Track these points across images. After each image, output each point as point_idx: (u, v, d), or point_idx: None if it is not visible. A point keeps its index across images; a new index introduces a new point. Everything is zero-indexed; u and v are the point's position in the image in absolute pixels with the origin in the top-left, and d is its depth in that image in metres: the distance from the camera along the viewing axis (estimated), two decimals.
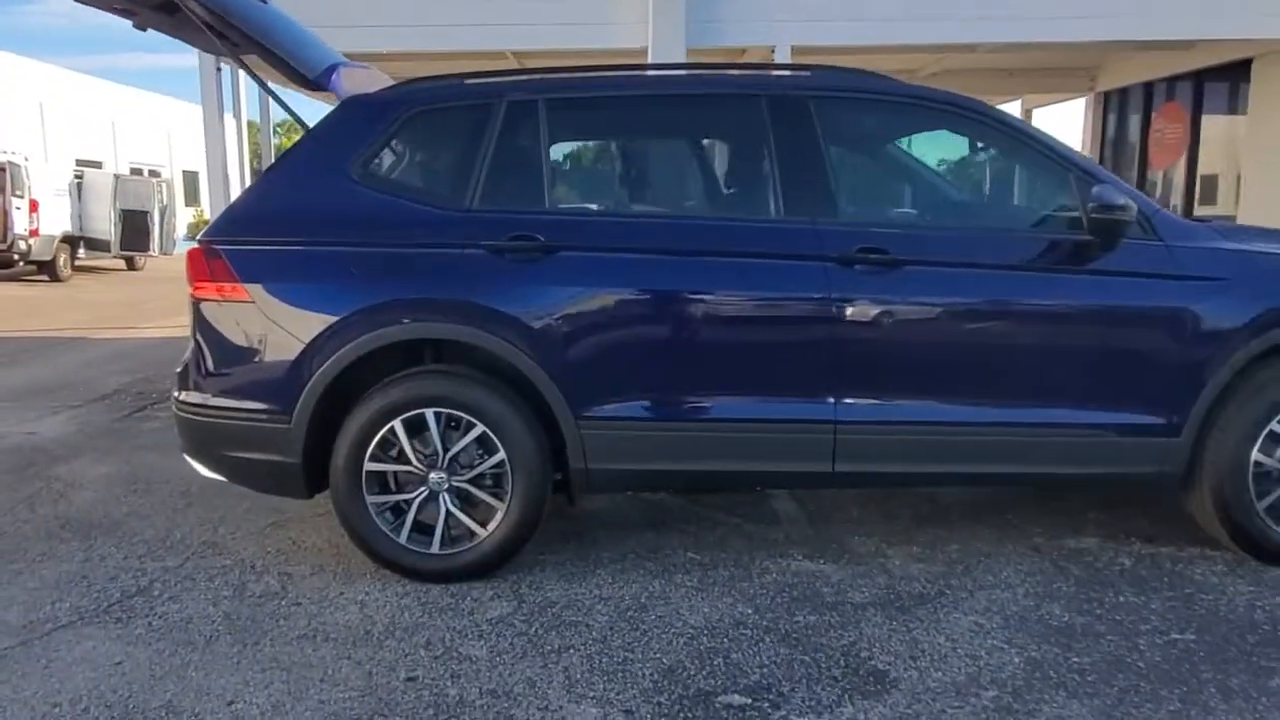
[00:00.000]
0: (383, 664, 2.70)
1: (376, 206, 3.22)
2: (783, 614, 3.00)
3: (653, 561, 3.44)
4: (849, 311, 3.09)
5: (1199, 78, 9.13)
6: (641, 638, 2.85)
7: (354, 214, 3.21)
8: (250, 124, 13.40)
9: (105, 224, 17.47)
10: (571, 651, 2.76)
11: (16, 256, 15.63)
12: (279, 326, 3.16)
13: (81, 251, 17.43)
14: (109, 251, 17.72)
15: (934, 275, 3.13)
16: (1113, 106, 10.87)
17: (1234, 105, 8.99)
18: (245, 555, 3.54)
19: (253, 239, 3.24)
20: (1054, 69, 10.54)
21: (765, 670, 2.64)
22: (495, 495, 3.20)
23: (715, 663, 2.69)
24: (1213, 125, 9.20)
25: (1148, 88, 10.01)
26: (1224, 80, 8.92)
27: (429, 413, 3.14)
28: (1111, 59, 10.09)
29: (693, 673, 2.63)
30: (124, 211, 17.73)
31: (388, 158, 3.38)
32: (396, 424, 3.14)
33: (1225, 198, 8.96)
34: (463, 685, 2.58)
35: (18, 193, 15.62)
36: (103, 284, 16.29)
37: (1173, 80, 9.57)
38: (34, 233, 15.84)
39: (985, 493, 4.13)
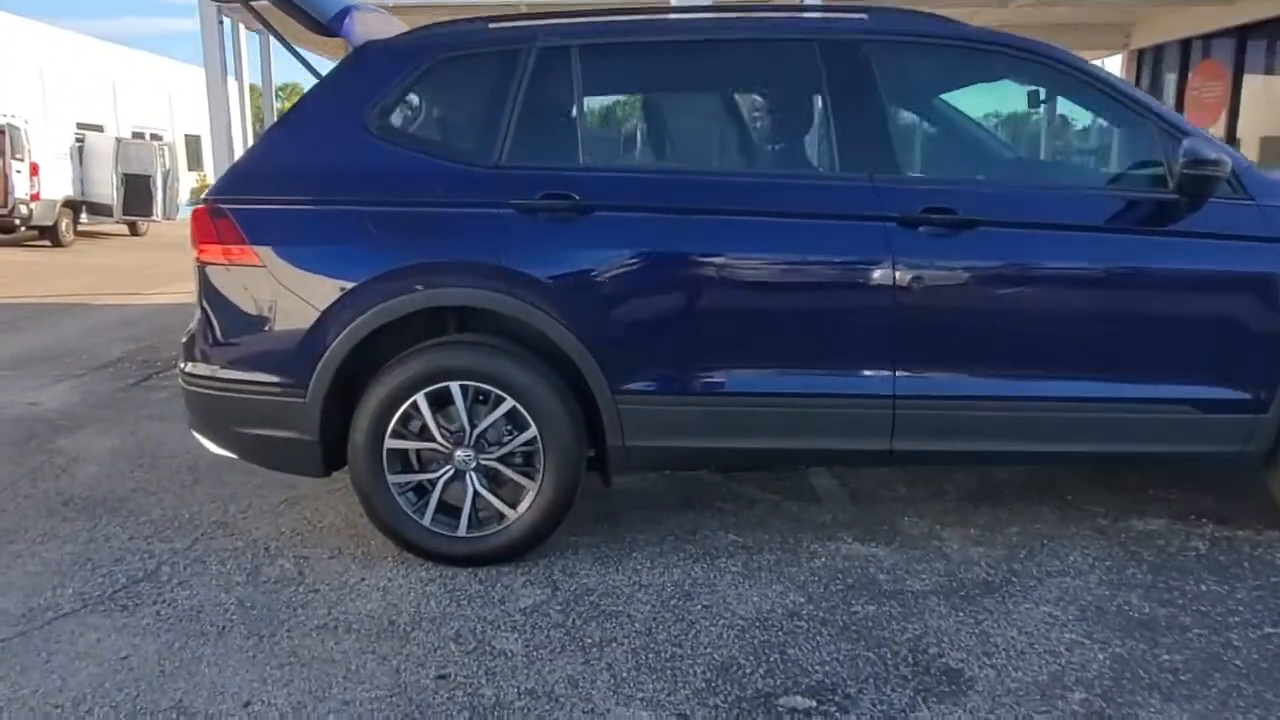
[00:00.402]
0: (411, 659, 2.49)
1: (395, 162, 2.96)
2: (838, 603, 2.78)
3: (692, 544, 3.23)
4: (912, 277, 2.84)
5: (1240, 34, 8.75)
6: (689, 630, 2.63)
7: (371, 170, 2.95)
8: (251, 87, 13.07)
9: (107, 188, 17.20)
10: (614, 645, 2.55)
11: (18, 221, 15.37)
12: (291, 292, 2.92)
13: (84, 216, 17.19)
14: (111, 216, 17.45)
15: (1005, 237, 2.86)
16: (1147, 64, 10.48)
17: (1275, 63, 8.62)
18: (258, 536, 3.33)
19: (262, 197, 2.99)
20: (1087, 25, 10.14)
21: (827, 668, 2.43)
22: (526, 474, 2.98)
23: (772, 659, 2.47)
24: (1254, 84, 8.84)
25: (1185, 45, 9.63)
26: (1266, 37, 8.55)
27: (454, 386, 2.91)
28: (1147, 15, 9.70)
29: (748, 671, 2.42)
30: (126, 176, 17.44)
31: (407, 109, 3.11)
32: (419, 398, 2.91)
33: (1267, 159, 8.63)
34: (499, 684, 2.37)
35: (18, 156, 15.32)
36: (105, 249, 16.05)
37: (1211, 37, 9.19)
38: (35, 197, 15.57)
39: (1037, 467, 3.90)
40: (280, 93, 24.97)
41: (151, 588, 2.93)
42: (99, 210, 17.31)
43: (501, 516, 2.99)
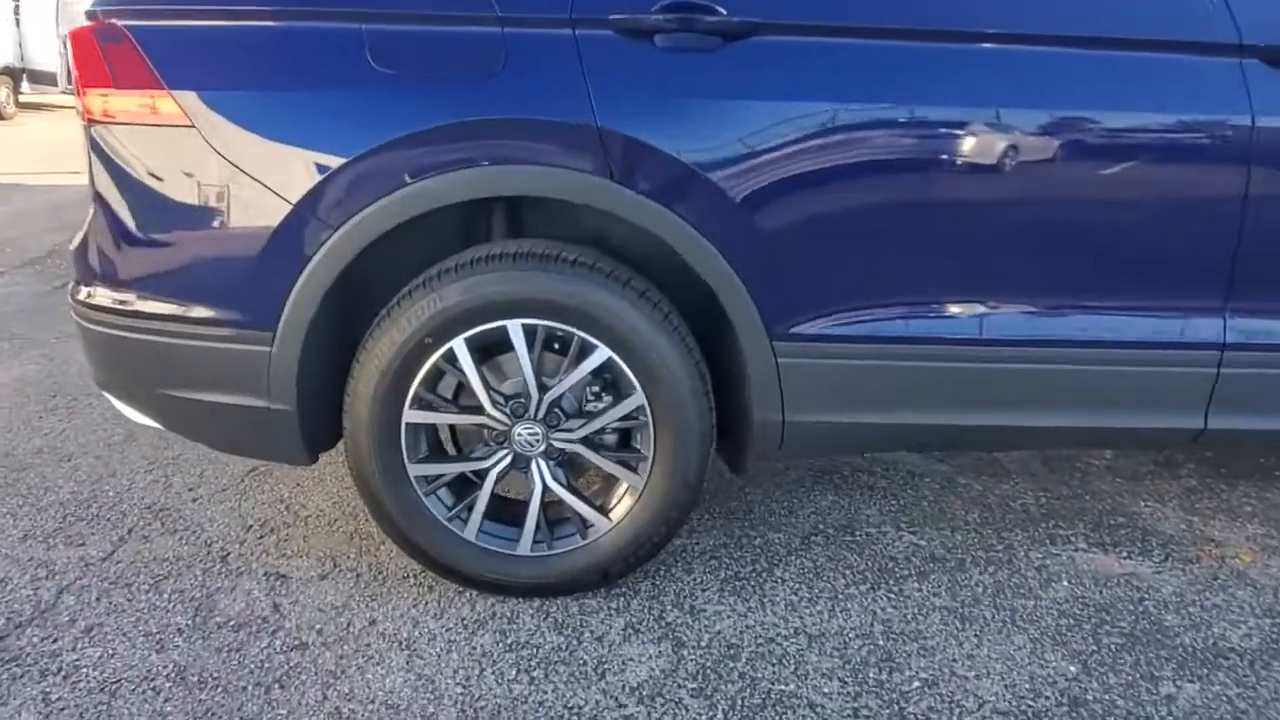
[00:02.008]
0: None
1: None
2: (1134, 678, 1.76)
3: (855, 551, 2.19)
4: None
5: None
6: None
7: None
8: None
9: (50, 54, 15.43)
10: None
11: None
12: (242, 172, 1.75)
13: (25, 86, 15.48)
14: (56, 86, 15.74)
15: None
16: None
17: None
18: (212, 534, 2.26)
19: (183, 8, 1.78)
20: None
21: None
22: (623, 463, 1.90)
23: None
24: None
25: None
26: None
27: (514, 326, 1.78)
28: None
29: None
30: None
31: None
32: (458, 345, 1.79)
33: None
34: None
35: None
36: (50, 122, 14.43)
37: None
38: None
39: None
40: None
41: (42, 639, 1.87)
42: (41, 79, 15.60)
43: (585, 526, 1.93)
